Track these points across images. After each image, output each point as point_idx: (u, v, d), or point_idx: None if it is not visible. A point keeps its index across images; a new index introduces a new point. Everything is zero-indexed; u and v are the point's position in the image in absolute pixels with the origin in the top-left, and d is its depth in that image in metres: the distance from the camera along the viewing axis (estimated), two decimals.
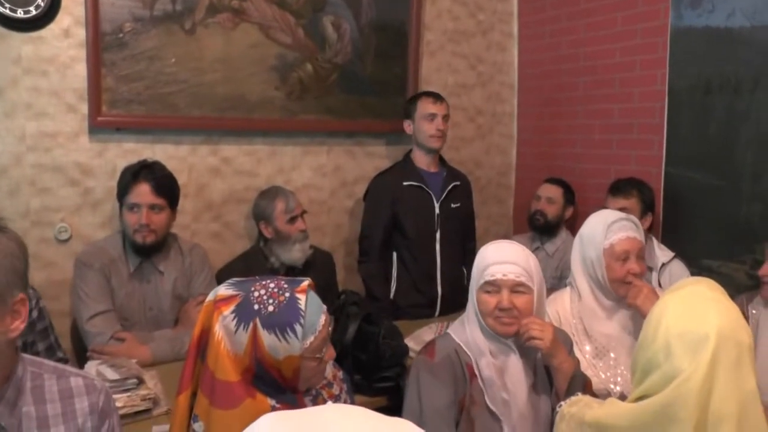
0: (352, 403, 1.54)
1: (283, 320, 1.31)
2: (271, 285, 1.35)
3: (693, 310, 1.22)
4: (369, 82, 3.22)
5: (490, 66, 3.68)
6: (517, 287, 1.63)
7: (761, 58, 2.55)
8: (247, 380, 1.34)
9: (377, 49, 3.22)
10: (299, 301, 1.33)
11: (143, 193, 2.32)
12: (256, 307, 1.31)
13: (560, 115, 3.47)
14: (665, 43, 2.89)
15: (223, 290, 1.37)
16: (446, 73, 3.53)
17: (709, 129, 2.74)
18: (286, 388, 1.38)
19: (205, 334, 1.36)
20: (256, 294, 1.33)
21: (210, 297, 1.38)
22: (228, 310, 1.33)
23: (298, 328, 1.31)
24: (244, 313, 1.32)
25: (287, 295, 1.33)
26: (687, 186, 2.83)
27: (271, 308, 1.31)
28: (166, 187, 2.39)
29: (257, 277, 1.40)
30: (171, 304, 2.41)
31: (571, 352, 1.74)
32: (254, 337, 1.31)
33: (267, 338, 1.30)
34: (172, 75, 2.76)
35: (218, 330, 1.32)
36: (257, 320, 1.31)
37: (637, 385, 1.29)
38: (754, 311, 2.16)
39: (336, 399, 1.53)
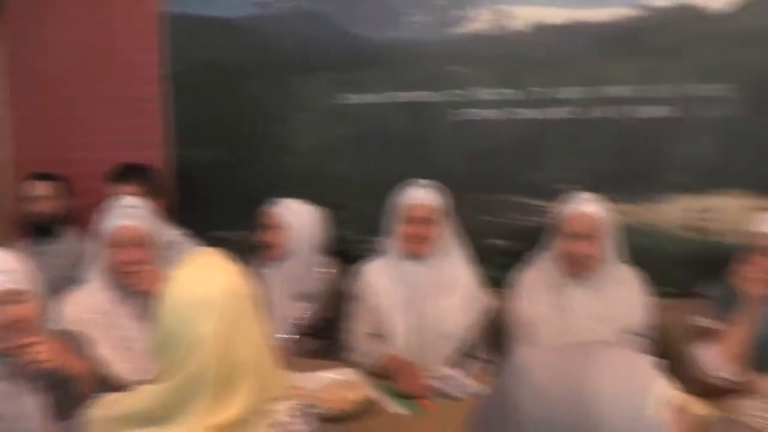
0: None
1: None
2: None
3: (197, 277, 1.24)
4: None
5: None
6: (8, 296, 1.43)
7: (252, 45, 2.85)
8: None
9: None
10: None
11: None
12: None
13: (60, 103, 3.19)
14: (160, 29, 2.95)
15: None
16: None
17: (217, 110, 2.94)
18: None
19: None
20: None
21: None
22: None
23: None
24: None
25: None
26: (199, 164, 2.98)
27: None
28: None
29: None
30: None
31: (88, 352, 1.63)
32: None
33: None
34: None
35: None
36: None
37: (159, 362, 1.25)
38: (261, 270, 2.40)
39: None
